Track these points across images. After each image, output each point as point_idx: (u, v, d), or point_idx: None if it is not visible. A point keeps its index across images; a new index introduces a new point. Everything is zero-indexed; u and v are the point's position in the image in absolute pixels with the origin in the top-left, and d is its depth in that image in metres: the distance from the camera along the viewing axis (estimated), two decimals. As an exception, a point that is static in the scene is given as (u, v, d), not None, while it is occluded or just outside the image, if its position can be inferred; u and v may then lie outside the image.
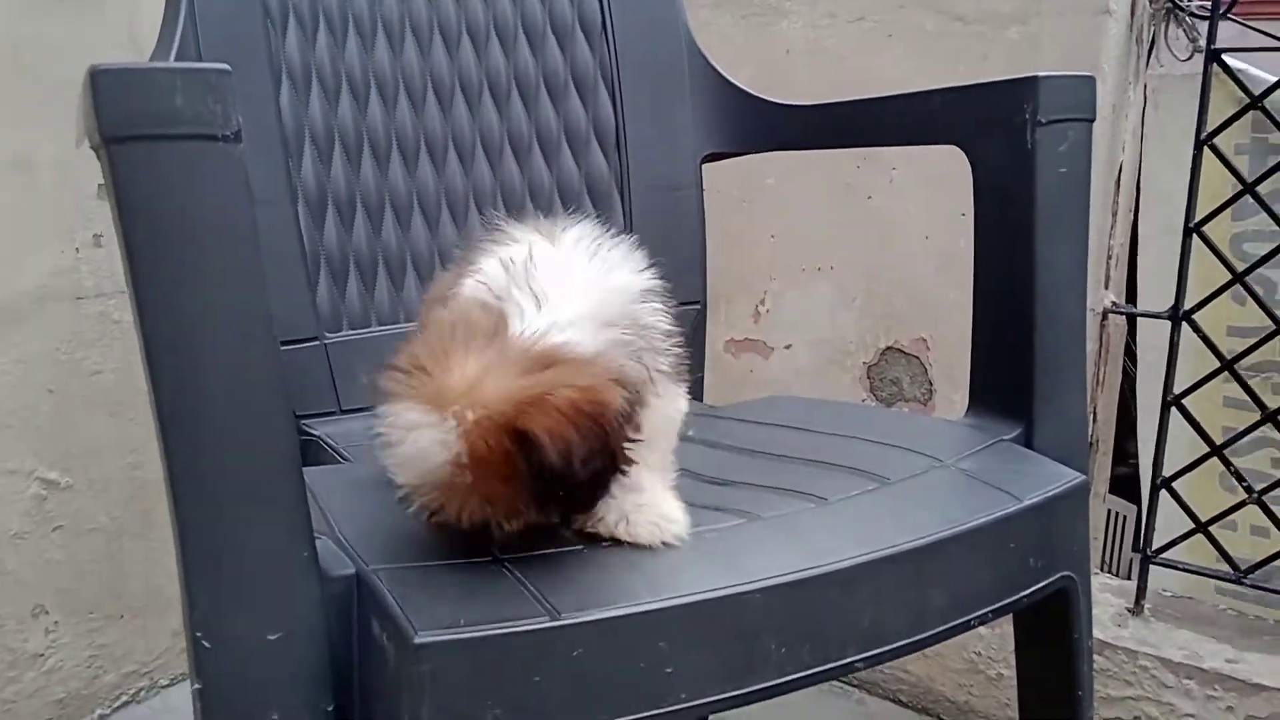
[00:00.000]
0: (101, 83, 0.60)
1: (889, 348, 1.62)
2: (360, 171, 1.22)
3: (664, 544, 0.75)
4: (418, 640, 0.64)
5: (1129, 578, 1.63)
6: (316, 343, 1.16)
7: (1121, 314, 1.55)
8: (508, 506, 0.67)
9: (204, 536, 0.65)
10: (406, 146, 1.26)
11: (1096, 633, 1.42)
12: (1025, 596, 0.84)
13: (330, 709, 0.69)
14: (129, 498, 1.63)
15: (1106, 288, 1.53)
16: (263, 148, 1.15)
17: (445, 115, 1.28)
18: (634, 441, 0.69)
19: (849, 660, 0.74)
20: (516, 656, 0.65)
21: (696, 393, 1.32)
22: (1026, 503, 0.84)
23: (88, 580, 1.60)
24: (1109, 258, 1.53)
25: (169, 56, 1.03)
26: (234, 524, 0.65)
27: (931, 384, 1.58)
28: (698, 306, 1.34)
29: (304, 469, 0.69)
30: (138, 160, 0.62)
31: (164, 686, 1.71)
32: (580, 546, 0.75)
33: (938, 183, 1.52)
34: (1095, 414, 1.55)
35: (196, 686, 0.66)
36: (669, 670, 0.68)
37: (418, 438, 0.64)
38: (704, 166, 1.36)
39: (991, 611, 0.81)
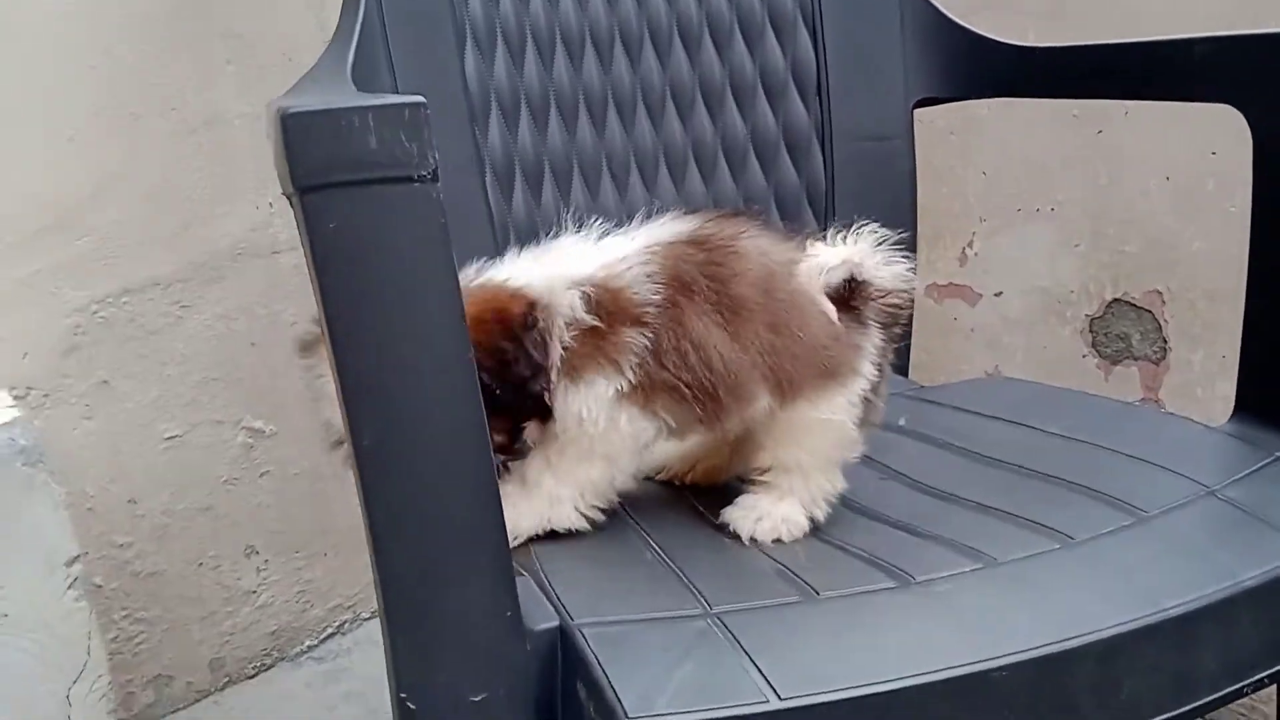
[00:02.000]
0: (291, 127, 0.55)
1: (1116, 299, 1.46)
2: (547, 134, 1.16)
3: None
4: None
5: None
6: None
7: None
8: None
9: (407, 596, 0.62)
10: (594, 104, 1.18)
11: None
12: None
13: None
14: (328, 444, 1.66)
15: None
16: (450, 115, 1.10)
17: (634, 67, 1.20)
18: (546, 346, 0.76)
19: (1099, 736, 0.66)
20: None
21: (902, 365, 1.23)
22: (1316, 553, 0.72)
23: (293, 521, 1.66)
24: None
25: (352, 33, 0.98)
26: (438, 583, 0.62)
27: (1166, 342, 1.42)
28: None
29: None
30: (331, 209, 0.57)
31: (365, 619, 1.78)
32: (796, 599, 0.69)
33: (1181, 116, 1.33)
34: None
35: (404, 747, 0.64)
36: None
37: None
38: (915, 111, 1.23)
39: (1269, 676, 0.71)
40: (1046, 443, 0.92)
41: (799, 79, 1.23)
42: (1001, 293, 1.58)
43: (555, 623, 0.67)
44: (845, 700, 0.61)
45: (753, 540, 0.80)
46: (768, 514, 0.81)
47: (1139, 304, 1.44)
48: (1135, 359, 1.45)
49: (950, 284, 1.63)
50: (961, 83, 1.18)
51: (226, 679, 1.62)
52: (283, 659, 1.67)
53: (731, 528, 0.81)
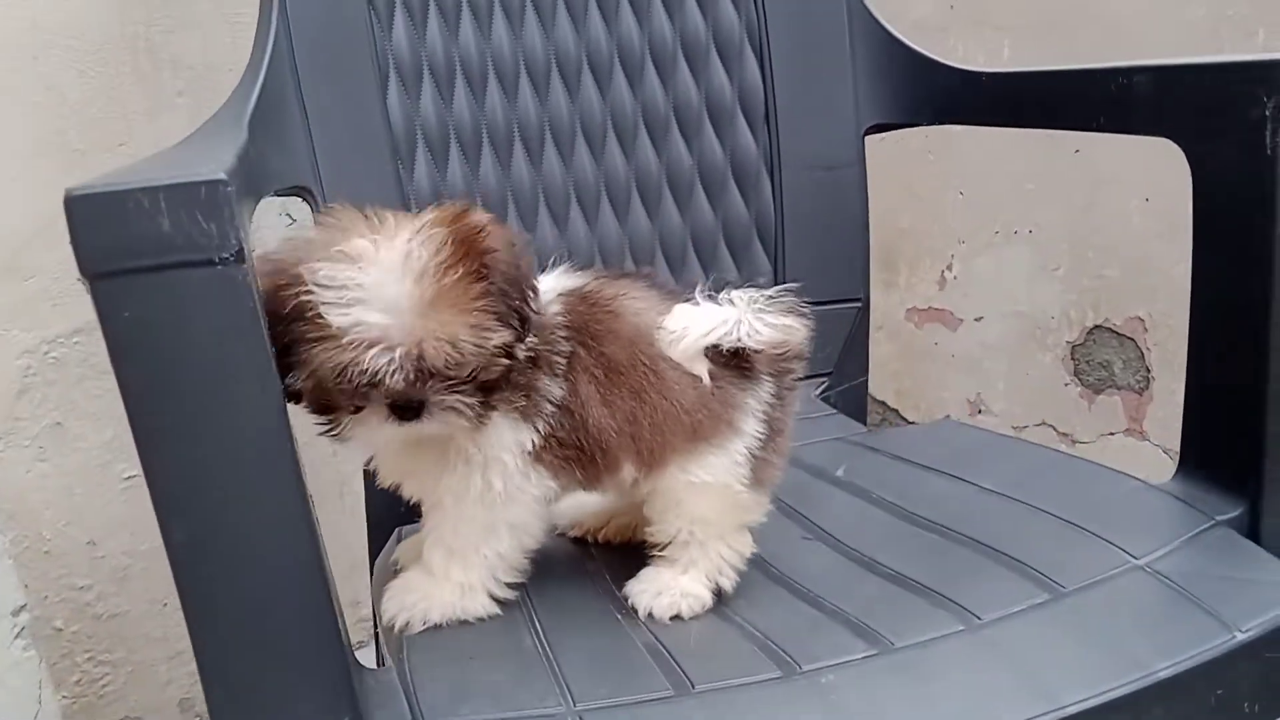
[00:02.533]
0: (76, 210, 0.52)
1: (1098, 325, 1.39)
2: (479, 171, 1.12)
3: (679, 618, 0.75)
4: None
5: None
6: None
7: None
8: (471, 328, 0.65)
9: (232, 708, 0.58)
10: (530, 138, 1.14)
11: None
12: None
13: None
14: (321, 463, 1.64)
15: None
16: (370, 153, 1.06)
17: (572, 97, 1.15)
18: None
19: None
20: None
21: (858, 403, 1.17)
22: (1242, 637, 0.66)
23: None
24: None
25: (259, 73, 0.95)
26: (266, 695, 0.58)
27: (1149, 370, 1.35)
28: (856, 305, 1.17)
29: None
30: (125, 297, 0.53)
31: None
32: (667, 693, 0.65)
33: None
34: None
35: None
36: None
37: (381, 259, 0.64)
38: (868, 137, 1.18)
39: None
40: (979, 502, 0.86)
41: (746, 106, 1.18)
42: (982, 317, 1.52)
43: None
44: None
45: (650, 616, 0.75)
46: (667, 588, 0.76)
47: (1120, 331, 1.37)
48: (1118, 388, 1.38)
49: (930, 308, 1.57)
50: (911, 108, 1.13)
51: (197, 718, 1.60)
52: (253, 697, 1.65)
53: (630, 603, 0.76)
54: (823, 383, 1.17)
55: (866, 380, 1.19)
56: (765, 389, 0.76)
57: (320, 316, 0.63)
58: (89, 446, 1.42)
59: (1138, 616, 0.69)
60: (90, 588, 1.45)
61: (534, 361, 0.71)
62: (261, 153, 0.88)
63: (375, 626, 0.82)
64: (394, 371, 0.63)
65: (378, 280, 0.64)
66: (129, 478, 1.46)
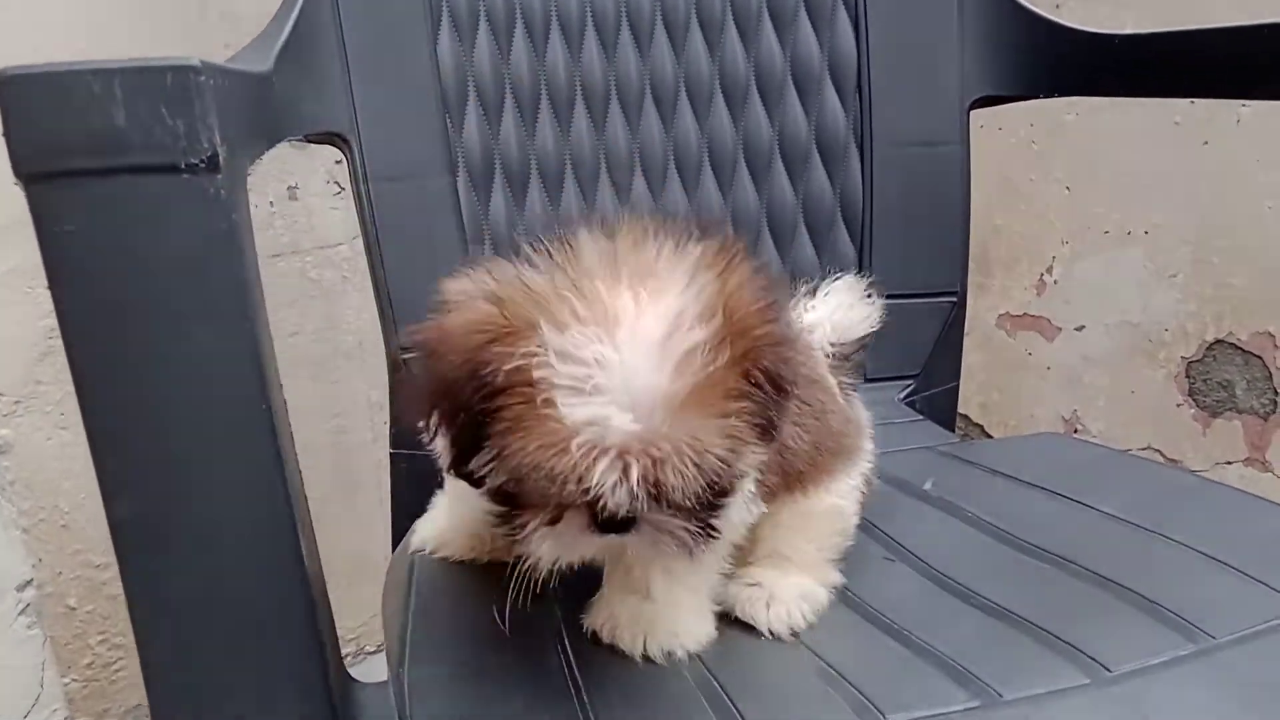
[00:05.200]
0: (11, 93, 0.42)
1: (1219, 340, 1.24)
2: (535, 130, 1.01)
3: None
4: None
5: None
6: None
7: None
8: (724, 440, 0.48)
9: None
10: (594, 97, 1.03)
11: None
12: None
13: None
14: (334, 464, 1.55)
15: None
16: (415, 103, 0.96)
17: (642, 56, 1.04)
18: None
19: None
20: None
21: (948, 411, 1.04)
22: None
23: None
24: None
25: (294, 5, 0.85)
26: (217, 701, 0.47)
27: (1277, 393, 1.20)
28: (953, 299, 1.04)
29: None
30: (66, 206, 0.43)
31: (370, 652, 1.66)
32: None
33: (1308, 125, 1.11)
34: None
35: None
36: None
37: (641, 331, 0.47)
38: (974, 112, 1.04)
39: None
40: (1098, 527, 0.73)
41: (836, 73, 1.06)
42: (1084, 327, 1.37)
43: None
44: None
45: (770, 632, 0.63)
46: (778, 595, 0.64)
47: (1246, 347, 1.21)
48: (1239, 412, 1.23)
49: (1025, 315, 1.43)
50: (1027, 78, 0.99)
51: (213, 710, 1.51)
52: (275, 693, 1.56)
53: (734, 613, 0.64)
54: (909, 385, 1.04)
55: (958, 385, 1.06)
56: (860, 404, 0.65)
57: (548, 401, 0.47)
58: (114, 416, 1.34)
59: (1311, 681, 0.56)
60: (107, 566, 1.37)
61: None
62: (290, 90, 0.78)
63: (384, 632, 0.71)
64: (619, 491, 0.48)
65: (632, 363, 0.47)
66: (154, 452, 1.37)
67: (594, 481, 0.46)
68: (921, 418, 1.01)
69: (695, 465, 0.47)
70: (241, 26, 1.34)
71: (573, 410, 0.46)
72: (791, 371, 0.53)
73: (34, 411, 1.28)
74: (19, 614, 1.18)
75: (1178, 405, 1.28)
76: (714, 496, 0.51)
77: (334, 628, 0.54)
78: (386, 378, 1.00)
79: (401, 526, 0.89)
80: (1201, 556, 0.66)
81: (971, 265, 1.46)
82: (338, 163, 1.41)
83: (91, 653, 1.39)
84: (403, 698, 0.56)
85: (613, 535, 0.51)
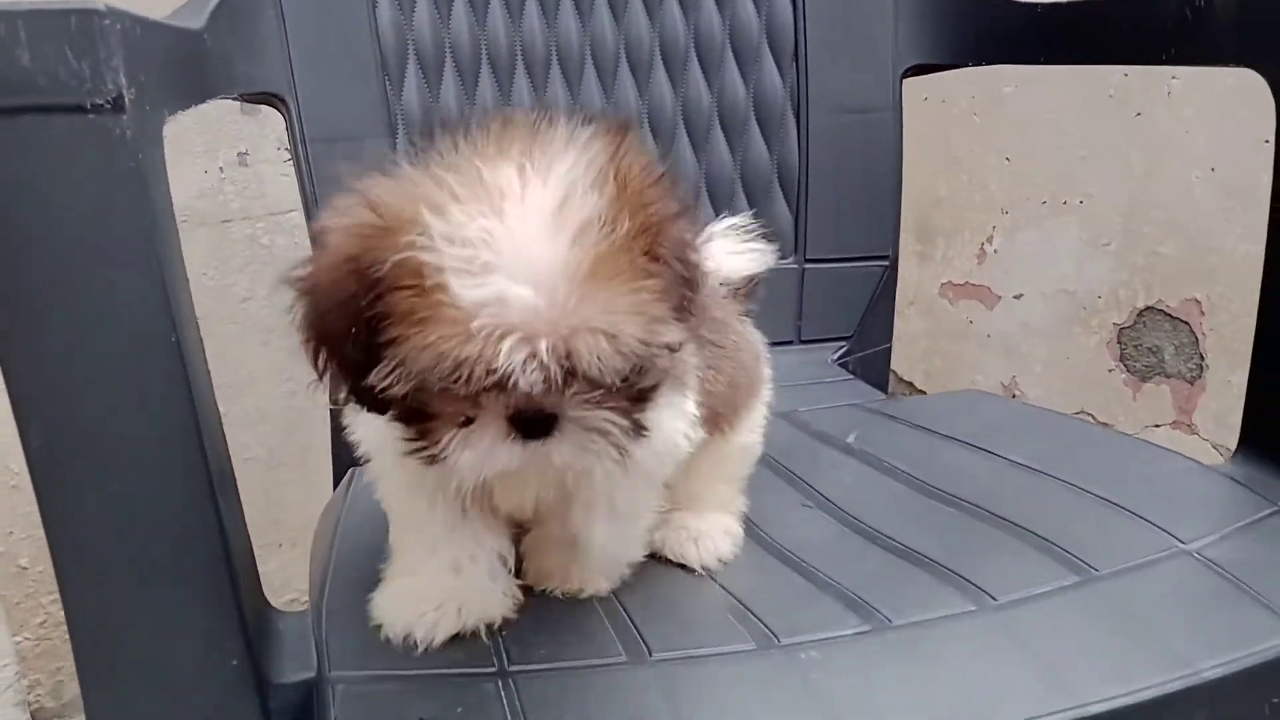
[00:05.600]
0: (-86, 32, 0.43)
1: (1149, 307, 1.28)
2: (475, 95, 1.03)
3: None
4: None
5: None
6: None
7: None
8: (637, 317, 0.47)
9: (101, 644, 0.50)
10: (534, 62, 1.04)
11: None
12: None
13: None
14: (286, 428, 1.56)
15: None
16: (353, 65, 0.97)
17: (583, 21, 1.06)
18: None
19: None
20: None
21: (879, 372, 1.06)
22: (1305, 635, 0.55)
23: (246, 510, 1.56)
24: None
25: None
26: (137, 627, 0.50)
27: (1204, 358, 1.23)
28: (885, 263, 1.07)
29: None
30: (-28, 143, 0.44)
31: (326, 616, 1.68)
32: (620, 660, 0.55)
33: (1233, 97, 1.14)
34: None
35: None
36: None
37: (530, 202, 0.45)
38: (908, 81, 1.07)
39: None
40: (1007, 475, 0.76)
41: (774, 42, 1.08)
42: (1022, 295, 1.40)
43: (310, 674, 0.54)
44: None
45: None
46: (704, 531, 0.67)
47: (1174, 314, 1.25)
48: (1168, 376, 1.27)
49: (967, 283, 1.46)
50: (956, 46, 1.02)
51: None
52: (229, 654, 1.58)
53: (663, 553, 0.67)
54: (841, 346, 1.07)
55: (890, 348, 1.09)
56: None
57: (438, 287, 0.45)
58: (65, 380, 1.35)
59: (1182, 607, 0.59)
60: (60, 528, 1.38)
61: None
62: (223, 48, 0.79)
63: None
64: (531, 372, 0.45)
65: (523, 236, 0.45)
66: (107, 415, 1.38)
67: (501, 362, 0.44)
68: (852, 377, 1.04)
69: (609, 337, 0.45)
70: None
71: (467, 292, 0.44)
72: (696, 245, 0.51)
73: (-17, 373, 1.29)
74: (-34, 573, 1.20)
75: (1109, 370, 1.32)
76: (639, 381, 0.49)
77: (252, 555, 0.56)
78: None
79: (340, 472, 0.92)
80: (1095, 498, 0.70)
81: (915, 235, 1.49)
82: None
83: (44, 611, 1.40)
84: (320, 625, 0.58)
85: (535, 442, 0.49)
